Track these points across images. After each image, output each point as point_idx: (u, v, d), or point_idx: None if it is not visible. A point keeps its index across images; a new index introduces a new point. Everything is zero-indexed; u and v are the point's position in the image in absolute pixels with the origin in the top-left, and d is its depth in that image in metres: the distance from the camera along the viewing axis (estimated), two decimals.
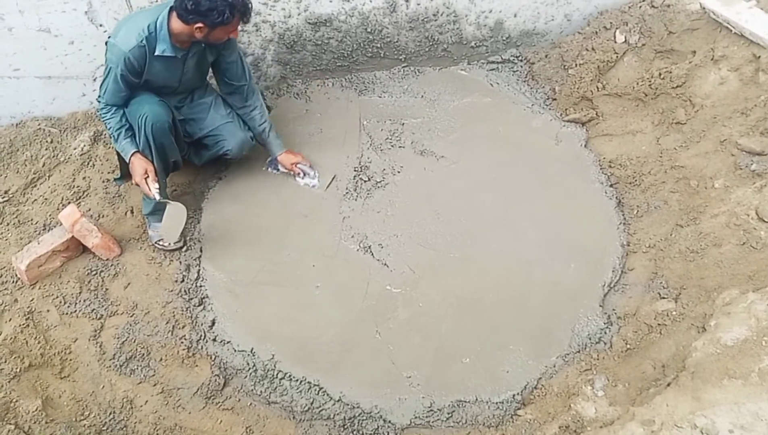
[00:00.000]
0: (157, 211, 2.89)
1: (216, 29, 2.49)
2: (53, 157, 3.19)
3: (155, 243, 2.95)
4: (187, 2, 2.40)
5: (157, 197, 2.69)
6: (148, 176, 2.66)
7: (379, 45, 3.58)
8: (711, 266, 2.53)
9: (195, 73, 2.84)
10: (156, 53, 2.56)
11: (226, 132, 2.99)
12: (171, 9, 2.51)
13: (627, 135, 3.30)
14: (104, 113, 2.65)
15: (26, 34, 2.99)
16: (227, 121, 3.00)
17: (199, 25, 2.46)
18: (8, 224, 2.99)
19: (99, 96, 2.65)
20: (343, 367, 2.60)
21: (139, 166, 2.66)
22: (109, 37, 2.56)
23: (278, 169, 3.23)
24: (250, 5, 2.53)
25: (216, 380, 2.60)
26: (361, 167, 3.25)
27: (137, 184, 2.71)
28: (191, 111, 2.96)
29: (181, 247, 2.96)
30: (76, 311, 2.73)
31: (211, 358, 2.66)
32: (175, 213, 2.77)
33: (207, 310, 2.78)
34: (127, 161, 2.70)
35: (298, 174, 3.17)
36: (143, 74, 2.61)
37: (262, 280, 2.86)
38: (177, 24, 2.50)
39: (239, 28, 2.63)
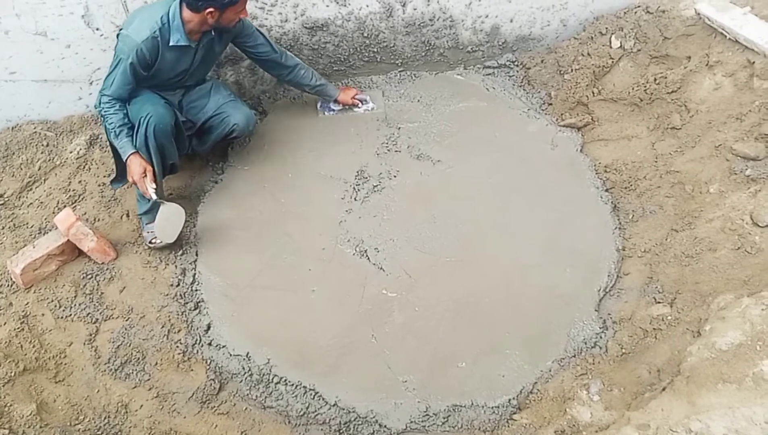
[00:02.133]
0: (152, 211, 2.89)
1: (226, 11, 2.57)
2: (49, 160, 3.19)
3: (148, 243, 2.94)
4: None
5: (153, 197, 2.70)
6: (146, 176, 2.67)
7: (375, 49, 3.59)
8: (706, 271, 2.54)
9: (201, 65, 2.91)
10: (171, 43, 2.63)
11: (229, 108, 3.03)
12: (181, 1, 2.59)
13: (622, 140, 3.31)
14: (108, 108, 2.65)
15: (23, 37, 3.00)
16: (230, 100, 3.05)
17: (210, 10, 2.54)
18: (3, 228, 2.98)
19: (103, 89, 2.65)
20: (338, 372, 2.60)
21: (139, 164, 2.67)
22: (120, 29, 2.60)
23: (333, 110, 3.51)
24: None
25: (211, 385, 2.59)
26: (357, 171, 3.26)
27: (134, 183, 2.71)
28: (192, 97, 3.00)
29: (173, 245, 2.94)
30: (71, 315, 2.72)
31: (206, 362, 2.65)
32: (171, 214, 2.78)
33: (202, 314, 2.77)
34: (125, 159, 2.70)
35: (357, 105, 3.49)
36: (153, 67, 2.65)
37: (258, 284, 2.86)
38: (187, 14, 2.58)
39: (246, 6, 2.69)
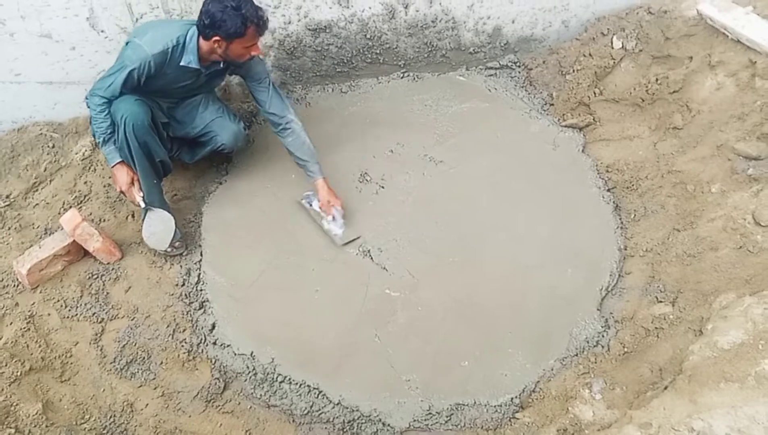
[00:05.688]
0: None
1: (233, 42, 2.56)
2: (54, 161, 3.20)
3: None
4: (204, 18, 2.52)
5: (142, 204, 2.77)
6: (133, 184, 2.74)
7: (378, 51, 3.61)
8: (708, 270, 2.54)
9: (200, 88, 2.93)
10: (181, 63, 2.65)
11: (217, 127, 3.03)
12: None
13: (624, 140, 3.32)
14: (100, 111, 2.65)
15: (28, 39, 3.01)
16: (217, 117, 3.04)
17: (217, 38, 2.55)
18: (10, 228, 3.00)
19: (97, 89, 2.65)
20: (342, 371, 2.61)
21: (126, 173, 2.73)
22: (133, 37, 2.61)
23: (310, 205, 3.08)
24: (264, 17, 2.58)
25: (216, 384, 2.61)
26: (360, 172, 3.27)
27: (121, 192, 2.78)
28: (182, 111, 2.99)
29: (182, 253, 2.97)
30: (77, 315, 2.74)
31: (211, 361, 2.67)
32: (159, 220, 2.81)
33: (207, 313, 2.79)
34: (111, 167, 2.74)
35: (329, 215, 3.00)
36: (149, 80, 2.65)
37: (262, 284, 2.88)
38: (201, 41, 2.62)
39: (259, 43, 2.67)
